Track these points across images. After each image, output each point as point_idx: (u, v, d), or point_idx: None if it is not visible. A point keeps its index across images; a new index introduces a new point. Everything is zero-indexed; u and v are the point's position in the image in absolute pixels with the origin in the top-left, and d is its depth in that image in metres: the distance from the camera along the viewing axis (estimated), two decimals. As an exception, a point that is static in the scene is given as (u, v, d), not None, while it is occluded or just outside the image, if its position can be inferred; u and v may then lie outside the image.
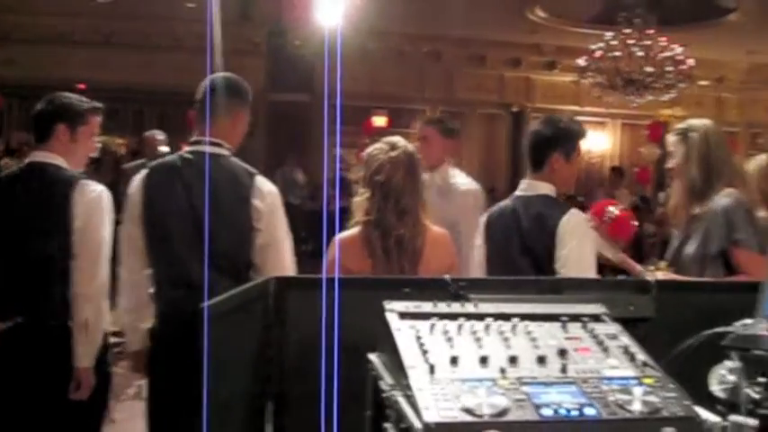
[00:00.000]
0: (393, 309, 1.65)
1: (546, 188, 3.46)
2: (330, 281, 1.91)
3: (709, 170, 3.48)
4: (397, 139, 3.25)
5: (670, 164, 3.64)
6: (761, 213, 3.74)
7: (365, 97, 14.79)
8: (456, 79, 17.38)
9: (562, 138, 3.49)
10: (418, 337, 1.53)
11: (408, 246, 3.09)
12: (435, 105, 17.58)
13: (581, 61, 13.52)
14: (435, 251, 3.15)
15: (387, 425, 1.47)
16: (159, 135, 8.33)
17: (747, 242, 3.33)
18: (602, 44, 13.05)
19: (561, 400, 1.34)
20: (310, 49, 12.42)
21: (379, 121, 15.74)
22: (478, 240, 3.57)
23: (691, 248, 3.44)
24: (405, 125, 15.80)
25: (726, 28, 14.25)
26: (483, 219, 3.60)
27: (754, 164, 4.19)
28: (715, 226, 3.38)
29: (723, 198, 3.42)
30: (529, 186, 3.50)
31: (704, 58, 15.30)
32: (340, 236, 3.14)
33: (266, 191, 3.38)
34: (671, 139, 3.64)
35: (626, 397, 1.37)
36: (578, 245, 3.31)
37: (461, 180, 4.96)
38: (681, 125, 3.69)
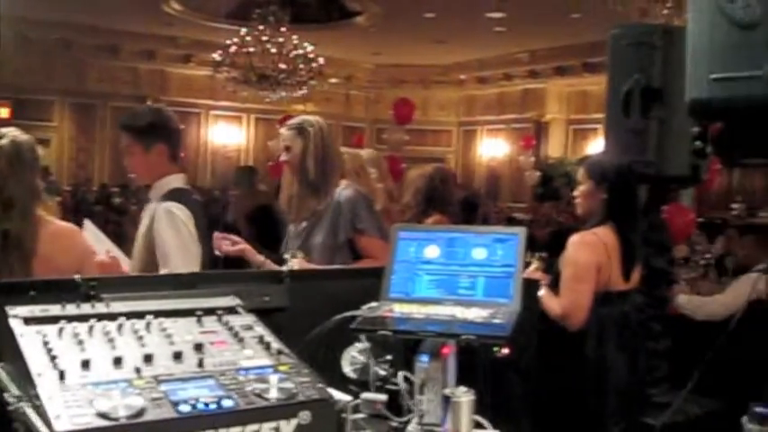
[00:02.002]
0: (17, 314, 1.55)
1: None
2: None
3: (325, 163, 3.67)
4: (9, 129, 2.98)
5: (285, 157, 3.74)
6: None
7: (-15, 86, 13.68)
8: (87, 69, 16.67)
9: None
10: (46, 343, 1.45)
11: (16, 242, 2.80)
12: (65, 96, 16.73)
13: (216, 56, 13.61)
14: (58, 248, 2.88)
15: (15, 439, 1.38)
16: None
17: (370, 230, 3.58)
18: (236, 39, 13.23)
19: (199, 395, 1.35)
20: None
21: (1, 112, 14.62)
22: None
23: (318, 239, 3.62)
24: (31, 117, 14.85)
25: (353, 30, 15.11)
26: (185, 212, 3.26)
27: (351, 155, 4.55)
28: (341, 217, 3.59)
29: (345, 190, 3.66)
30: (184, 180, 3.47)
31: (334, 57, 16.11)
32: None
33: None
34: (286, 133, 3.75)
35: (262, 386, 1.41)
36: None
37: None
38: (294, 120, 3.82)
